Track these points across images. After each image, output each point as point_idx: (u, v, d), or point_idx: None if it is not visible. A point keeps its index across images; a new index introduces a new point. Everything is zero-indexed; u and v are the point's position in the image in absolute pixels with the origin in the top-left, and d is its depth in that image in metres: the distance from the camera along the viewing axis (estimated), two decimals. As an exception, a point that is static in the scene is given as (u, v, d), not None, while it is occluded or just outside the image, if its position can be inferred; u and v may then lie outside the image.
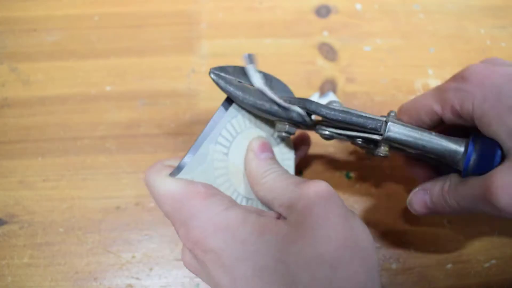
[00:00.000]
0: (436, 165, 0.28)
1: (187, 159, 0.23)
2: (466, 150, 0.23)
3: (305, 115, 0.25)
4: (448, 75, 0.40)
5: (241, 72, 0.26)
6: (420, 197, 0.26)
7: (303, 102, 0.25)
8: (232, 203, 0.22)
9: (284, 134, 0.26)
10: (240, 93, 0.24)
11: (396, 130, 0.24)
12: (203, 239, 0.20)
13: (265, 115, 0.25)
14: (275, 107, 0.25)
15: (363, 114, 0.24)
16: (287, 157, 0.28)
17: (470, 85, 0.22)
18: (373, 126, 0.24)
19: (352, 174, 0.35)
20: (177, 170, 0.23)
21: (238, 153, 0.26)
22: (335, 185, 0.34)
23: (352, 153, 0.36)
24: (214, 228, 0.20)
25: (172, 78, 0.39)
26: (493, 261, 0.32)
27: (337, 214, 0.20)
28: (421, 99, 0.26)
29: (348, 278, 0.18)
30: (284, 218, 0.21)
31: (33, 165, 0.34)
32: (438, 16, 0.44)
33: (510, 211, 0.21)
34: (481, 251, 0.32)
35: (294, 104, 0.25)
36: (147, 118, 0.37)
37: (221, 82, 0.25)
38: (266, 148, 0.25)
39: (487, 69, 0.23)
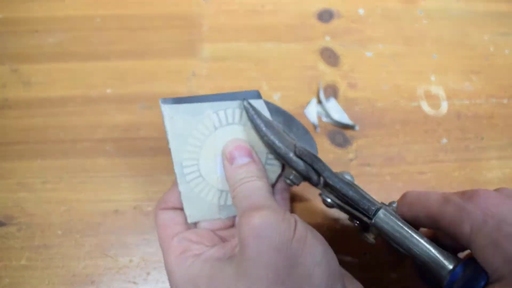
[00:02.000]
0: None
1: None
2: (453, 269, 0.22)
3: (312, 171, 0.25)
4: (450, 81, 0.40)
5: (274, 110, 0.27)
6: None
7: (311, 158, 0.25)
8: (198, 254, 0.24)
9: (288, 181, 0.26)
10: (264, 128, 0.25)
11: (385, 220, 0.24)
12: None
13: (280, 158, 0.25)
14: (290, 154, 0.25)
15: (363, 194, 0.24)
16: (271, 162, 0.27)
17: (474, 206, 0.22)
18: (365, 207, 0.24)
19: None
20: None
21: (207, 158, 0.26)
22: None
23: (352, 160, 0.36)
24: (183, 282, 0.23)
25: (173, 81, 0.39)
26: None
27: (267, 249, 0.20)
28: (425, 198, 0.25)
29: None
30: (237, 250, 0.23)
31: (32, 167, 0.34)
32: (442, 22, 0.43)
33: None
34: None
35: (303, 157, 0.25)
36: (147, 121, 0.37)
37: (251, 111, 0.25)
38: (240, 152, 0.25)
39: (496, 197, 0.22)
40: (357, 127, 0.37)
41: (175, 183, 0.27)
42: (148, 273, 0.31)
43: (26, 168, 0.34)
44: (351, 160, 0.36)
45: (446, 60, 0.41)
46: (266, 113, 0.27)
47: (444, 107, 0.39)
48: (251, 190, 0.24)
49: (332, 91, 0.39)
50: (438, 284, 0.24)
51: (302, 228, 0.22)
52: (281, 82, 0.39)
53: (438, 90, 0.39)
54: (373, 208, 0.24)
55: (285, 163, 0.25)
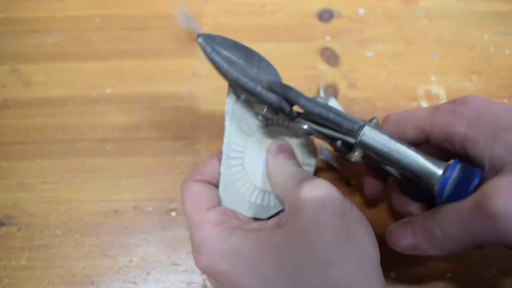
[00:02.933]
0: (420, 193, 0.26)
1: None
2: (444, 173, 0.22)
3: (284, 102, 0.24)
4: (451, 81, 0.40)
5: (231, 45, 0.26)
6: (400, 230, 0.24)
7: (284, 89, 0.24)
8: (237, 227, 0.23)
9: (260, 117, 0.25)
10: (225, 64, 0.23)
11: (371, 136, 0.23)
12: (213, 264, 0.22)
13: (247, 94, 0.24)
14: (258, 88, 0.23)
15: (343, 114, 0.23)
16: (307, 162, 0.29)
17: (466, 108, 0.22)
18: (349, 127, 0.23)
19: (352, 181, 0.35)
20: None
21: (253, 150, 0.27)
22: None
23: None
24: (221, 253, 0.22)
25: (172, 81, 0.39)
26: (494, 271, 0.32)
27: (330, 214, 0.21)
28: (411, 113, 0.25)
29: (340, 276, 0.19)
30: (286, 218, 0.23)
31: (32, 167, 0.34)
32: (442, 22, 0.43)
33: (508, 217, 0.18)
34: (482, 261, 0.32)
35: (274, 89, 0.24)
36: (147, 121, 0.37)
37: (208, 49, 0.24)
38: (283, 149, 0.27)
39: (486, 101, 0.23)
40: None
41: (211, 158, 0.27)
42: (148, 273, 0.31)
43: (26, 168, 0.34)
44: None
45: (446, 60, 0.41)
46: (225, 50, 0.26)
47: (444, 107, 0.39)
48: (299, 172, 0.25)
49: (332, 91, 0.39)
50: (427, 196, 0.23)
51: (357, 208, 0.22)
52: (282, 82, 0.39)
53: (438, 90, 0.39)
54: (357, 126, 0.23)
55: (254, 98, 0.24)
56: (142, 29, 0.41)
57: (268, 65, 0.27)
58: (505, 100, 0.39)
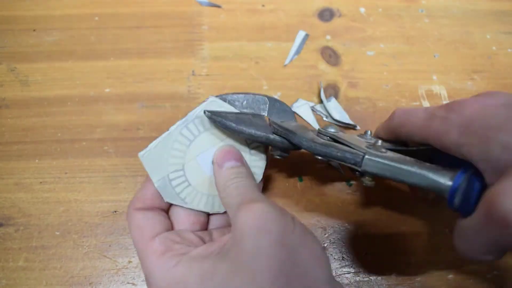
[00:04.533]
0: None
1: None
2: (451, 186, 0.22)
3: (291, 146, 0.27)
4: (452, 81, 0.40)
5: (235, 99, 0.28)
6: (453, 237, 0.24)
7: (287, 135, 0.26)
8: (182, 254, 0.23)
9: (277, 156, 0.28)
10: (236, 126, 0.26)
11: (372, 165, 0.24)
12: None
13: (261, 143, 0.28)
14: (271, 137, 0.27)
15: (346, 147, 0.25)
16: (256, 164, 0.29)
17: (458, 115, 0.22)
18: (352, 162, 0.24)
19: (352, 182, 0.35)
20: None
21: (194, 168, 0.28)
22: (336, 193, 0.34)
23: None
24: (167, 284, 0.22)
25: (172, 80, 0.38)
26: (496, 272, 0.32)
27: (268, 243, 0.20)
28: (414, 116, 0.25)
29: None
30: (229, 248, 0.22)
31: (30, 167, 0.34)
32: (443, 21, 0.43)
33: None
34: (483, 262, 0.32)
35: (281, 135, 0.26)
36: (146, 121, 0.36)
37: (216, 118, 0.26)
38: (229, 156, 0.27)
39: (476, 101, 0.22)
40: (358, 127, 0.37)
41: (147, 181, 0.27)
42: (147, 275, 0.31)
43: (24, 168, 0.34)
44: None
45: (448, 59, 0.41)
46: (228, 107, 0.28)
47: (446, 106, 0.38)
48: (243, 187, 0.25)
49: (333, 91, 0.39)
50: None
51: (300, 223, 0.22)
52: (282, 81, 0.39)
53: (440, 90, 0.39)
54: (358, 159, 0.24)
55: (270, 145, 0.28)
56: (141, 28, 0.41)
57: (274, 101, 0.30)
58: (507, 100, 0.39)
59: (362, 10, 0.43)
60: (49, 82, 0.38)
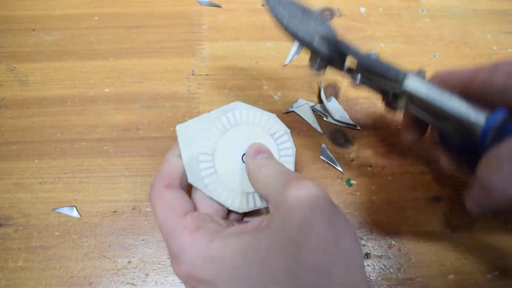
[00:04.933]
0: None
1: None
2: (486, 121, 0.22)
3: (335, 54, 0.27)
4: (452, 81, 0.40)
5: (291, 3, 0.28)
6: (467, 194, 0.23)
7: (335, 40, 0.26)
8: (217, 231, 0.23)
9: (314, 68, 0.28)
10: (286, 20, 0.26)
11: (414, 84, 0.24)
12: (194, 272, 0.21)
13: (304, 46, 0.27)
14: (315, 42, 0.26)
15: (389, 65, 0.25)
16: (285, 153, 0.28)
17: (506, 64, 0.23)
18: (393, 78, 0.24)
19: (353, 182, 0.35)
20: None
21: (223, 157, 0.27)
22: (336, 193, 0.34)
23: (353, 160, 0.35)
24: (202, 260, 0.21)
25: (171, 80, 0.38)
26: (496, 273, 0.32)
27: (319, 218, 0.20)
28: (457, 70, 0.26)
29: (329, 282, 0.19)
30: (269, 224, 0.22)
31: (30, 167, 0.34)
32: (444, 21, 0.43)
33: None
34: (484, 262, 0.32)
35: (328, 41, 0.26)
36: (146, 121, 0.36)
37: (272, 2, 0.26)
38: (261, 150, 0.26)
39: None
40: (358, 127, 0.37)
41: (171, 156, 0.26)
42: (147, 275, 0.31)
43: (24, 168, 0.34)
44: (352, 160, 0.35)
45: (448, 59, 0.41)
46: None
47: (446, 106, 0.38)
48: (283, 168, 0.25)
49: (333, 91, 0.39)
50: (466, 146, 0.24)
51: (341, 210, 0.22)
52: (282, 81, 0.39)
53: (440, 90, 0.39)
54: (401, 75, 0.24)
55: (310, 50, 0.27)
56: (141, 28, 0.41)
57: (323, 21, 0.29)
58: (508, 100, 0.39)
59: (362, 10, 0.43)
60: (48, 82, 0.38)
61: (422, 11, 0.44)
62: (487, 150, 0.22)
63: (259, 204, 0.27)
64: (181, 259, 0.22)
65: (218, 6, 0.42)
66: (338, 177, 0.35)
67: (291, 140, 0.28)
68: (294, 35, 0.26)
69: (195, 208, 0.26)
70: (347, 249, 0.20)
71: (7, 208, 0.33)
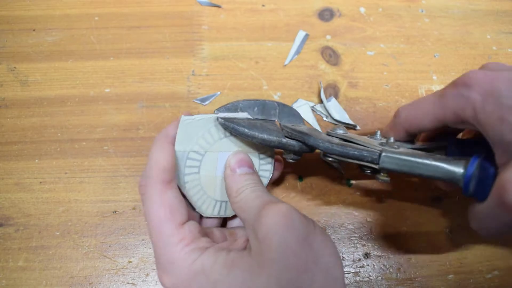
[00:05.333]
0: None
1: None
2: (464, 173, 0.23)
3: (305, 147, 0.27)
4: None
5: (246, 106, 0.29)
6: (476, 216, 0.24)
7: (303, 137, 0.26)
8: (207, 247, 0.23)
9: (290, 160, 0.29)
10: (249, 132, 0.26)
11: (389, 161, 0.25)
12: (180, 285, 0.22)
13: (275, 147, 0.27)
14: (284, 141, 0.27)
15: (360, 146, 0.26)
16: (264, 168, 0.29)
17: (470, 91, 0.23)
18: (369, 160, 0.25)
19: (353, 182, 0.35)
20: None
21: (211, 161, 0.28)
22: (336, 193, 0.34)
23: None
24: (191, 274, 0.22)
25: (172, 80, 0.38)
26: (496, 272, 0.32)
27: (295, 239, 0.21)
28: (420, 105, 0.26)
29: None
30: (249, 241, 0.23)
31: (30, 167, 0.34)
32: (444, 21, 0.43)
33: None
34: (483, 262, 0.32)
35: (295, 138, 0.27)
36: (146, 121, 0.36)
37: (228, 124, 0.26)
38: (243, 163, 0.27)
39: (486, 75, 0.22)
40: (358, 127, 0.37)
41: (165, 146, 0.25)
42: (147, 274, 0.31)
43: (24, 168, 0.34)
44: (352, 160, 0.35)
45: (448, 59, 0.41)
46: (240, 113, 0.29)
47: (446, 106, 0.38)
48: (260, 191, 0.25)
49: (333, 91, 0.39)
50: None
51: (319, 226, 0.23)
52: (282, 81, 0.39)
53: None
54: (375, 156, 0.25)
55: (282, 149, 0.28)
56: (141, 28, 0.41)
57: (283, 107, 0.30)
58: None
59: (362, 10, 0.43)
60: (49, 82, 0.38)
61: (422, 11, 0.44)
62: (472, 196, 0.23)
63: (228, 213, 0.29)
64: (168, 270, 0.22)
65: (218, 6, 0.42)
66: (338, 177, 0.35)
67: (272, 165, 0.29)
68: (261, 142, 0.27)
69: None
70: (327, 265, 0.21)
71: (7, 208, 0.33)
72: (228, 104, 0.28)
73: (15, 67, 0.38)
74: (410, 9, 0.44)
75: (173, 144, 0.26)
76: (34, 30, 0.40)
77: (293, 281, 0.20)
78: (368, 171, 0.28)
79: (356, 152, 0.25)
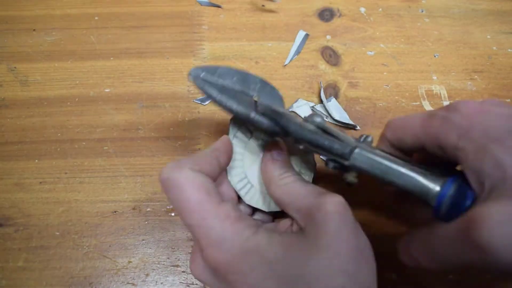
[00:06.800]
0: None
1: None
2: (440, 192, 0.21)
3: (277, 127, 0.24)
4: (453, 81, 0.40)
5: (225, 72, 0.27)
6: (404, 244, 0.24)
7: (275, 115, 0.24)
8: (257, 225, 0.23)
9: (260, 141, 0.27)
10: (218, 95, 0.25)
11: (360, 159, 0.23)
12: (233, 262, 0.21)
13: (243, 120, 0.25)
14: (252, 115, 0.24)
15: (335, 136, 0.23)
16: (304, 173, 0.29)
17: (458, 115, 0.22)
18: (339, 152, 0.23)
19: (353, 182, 0.34)
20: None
21: (252, 153, 0.28)
22: (336, 193, 0.34)
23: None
24: (245, 252, 0.21)
25: (172, 80, 0.38)
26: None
27: (349, 228, 0.22)
28: (409, 120, 0.25)
29: (357, 284, 0.21)
30: (299, 225, 0.24)
31: (30, 167, 0.34)
32: (444, 21, 0.43)
33: (501, 253, 0.17)
34: (484, 262, 0.32)
35: (266, 115, 0.24)
36: (146, 121, 0.36)
37: (199, 82, 0.25)
38: (280, 151, 0.27)
39: (479, 105, 0.22)
40: (358, 127, 0.37)
41: (212, 151, 0.26)
42: (147, 275, 0.31)
43: (24, 168, 0.34)
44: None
45: (448, 59, 0.41)
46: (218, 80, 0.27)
47: (446, 106, 0.38)
48: (305, 181, 0.26)
49: (333, 91, 0.39)
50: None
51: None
52: (282, 81, 0.39)
53: (440, 90, 0.39)
54: (347, 150, 0.23)
55: (250, 124, 0.26)
56: (141, 28, 0.41)
57: (266, 85, 0.28)
58: (508, 100, 0.39)
59: (362, 10, 0.43)
60: (48, 82, 0.38)
61: (422, 11, 0.44)
62: (438, 218, 0.22)
63: (272, 207, 0.28)
64: (221, 247, 0.21)
65: (218, 6, 0.42)
66: (338, 177, 0.35)
67: (313, 164, 0.29)
68: (227, 109, 0.25)
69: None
70: (368, 257, 0.22)
71: (7, 208, 0.33)
72: (208, 65, 0.26)
73: (15, 67, 0.38)
74: (410, 9, 0.44)
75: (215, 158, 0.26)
76: (34, 30, 0.40)
77: (344, 266, 0.21)
78: (335, 165, 0.24)
79: (326, 142, 0.23)
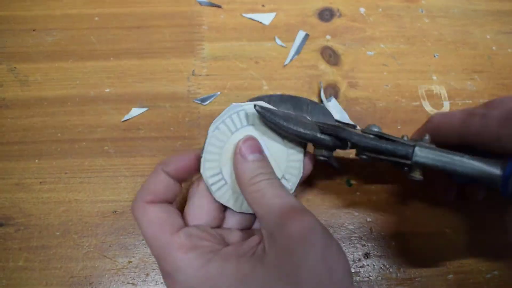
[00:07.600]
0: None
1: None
2: (503, 172, 0.23)
3: (338, 142, 0.27)
4: (452, 81, 0.40)
5: (279, 100, 0.29)
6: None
7: (336, 130, 0.26)
8: (213, 252, 0.22)
9: (321, 158, 0.28)
10: (285, 123, 0.26)
11: (423, 155, 0.25)
12: None
13: (309, 142, 0.27)
14: (318, 135, 0.27)
15: (394, 140, 0.26)
16: (294, 158, 0.28)
17: (496, 110, 0.23)
18: (403, 153, 0.25)
19: (353, 182, 0.35)
20: None
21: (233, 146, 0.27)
22: (336, 193, 0.34)
23: (353, 160, 0.36)
24: (198, 282, 0.21)
25: (172, 80, 0.38)
26: (495, 272, 0.32)
27: (314, 254, 0.20)
28: (450, 118, 0.26)
29: None
30: (264, 245, 0.22)
31: (30, 167, 0.34)
32: (443, 21, 0.43)
33: None
34: (483, 262, 0.32)
35: (328, 132, 0.27)
36: (146, 121, 0.36)
37: (266, 113, 0.26)
38: (254, 149, 0.25)
39: None
40: (358, 127, 0.37)
41: (157, 172, 0.25)
42: (147, 274, 0.31)
43: (24, 168, 0.34)
44: (352, 160, 0.35)
45: (448, 59, 0.41)
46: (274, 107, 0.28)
47: (446, 106, 0.38)
48: (278, 188, 0.24)
49: (332, 91, 0.39)
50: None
51: (335, 239, 0.22)
52: (282, 81, 0.39)
53: (439, 90, 0.39)
54: (409, 150, 0.25)
55: (316, 144, 0.28)
56: (141, 28, 0.41)
57: (315, 104, 0.30)
58: (507, 100, 0.39)
59: (362, 10, 0.43)
60: (49, 82, 0.38)
61: (422, 11, 0.44)
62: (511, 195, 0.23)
63: (243, 208, 0.27)
64: (175, 279, 0.21)
65: (218, 6, 0.42)
66: (338, 177, 0.35)
67: (302, 163, 0.28)
68: (296, 135, 0.27)
69: (185, 223, 0.25)
70: (339, 280, 0.21)
71: (8, 208, 0.33)
72: (260, 95, 0.28)
73: (15, 67, 0.38)
74: (410, 9, 0.44)
75: (165, 171, 0.26)
76: (34, 30, 0.40)
77: None
78: (405, 168, 0.26)
79: (389, 146, 0.25)
